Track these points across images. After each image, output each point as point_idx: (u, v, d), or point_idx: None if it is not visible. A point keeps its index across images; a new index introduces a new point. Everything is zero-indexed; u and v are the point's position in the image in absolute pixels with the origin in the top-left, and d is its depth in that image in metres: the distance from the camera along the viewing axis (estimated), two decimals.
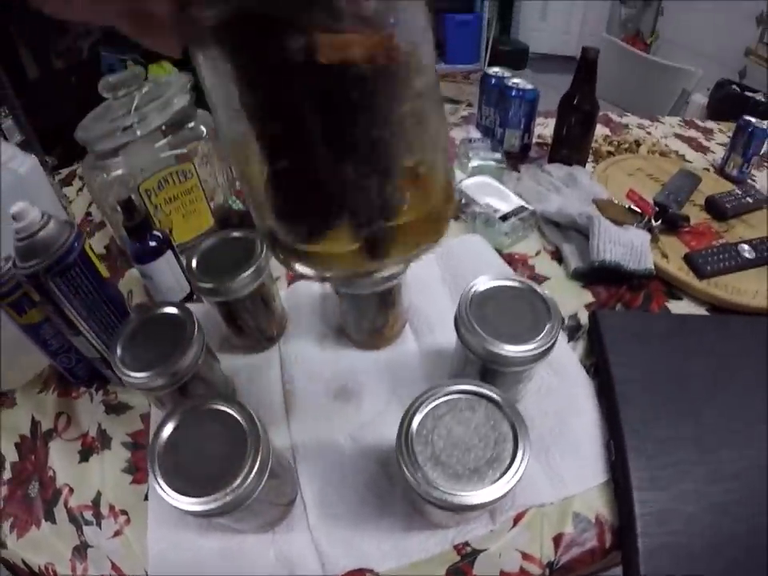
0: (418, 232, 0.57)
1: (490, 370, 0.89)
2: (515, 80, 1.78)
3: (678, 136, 2.19)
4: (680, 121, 2.35)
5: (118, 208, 1.12)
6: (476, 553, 0.89)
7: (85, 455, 1.07)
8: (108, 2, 0.44)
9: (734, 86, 4.34)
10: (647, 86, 3.19)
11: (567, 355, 1.16)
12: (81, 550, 0.94)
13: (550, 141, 1.85)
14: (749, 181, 1.84)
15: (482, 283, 0.94)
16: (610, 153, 1.94)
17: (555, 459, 0.98)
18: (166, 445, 0.76)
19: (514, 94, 1.74)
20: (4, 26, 3.54)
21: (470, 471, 0.73)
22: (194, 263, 1.05)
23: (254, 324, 1.15)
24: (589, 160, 1.85)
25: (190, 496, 0.70)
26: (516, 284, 0.95)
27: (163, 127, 1.30)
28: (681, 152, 2.05)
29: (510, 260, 1.44)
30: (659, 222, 1.47)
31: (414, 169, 0.53)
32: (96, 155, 1.30)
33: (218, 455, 0.74)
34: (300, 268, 0.57)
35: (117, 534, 0.96)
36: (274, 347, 1.22)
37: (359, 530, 0.92)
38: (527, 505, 0.93)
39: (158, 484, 0.72)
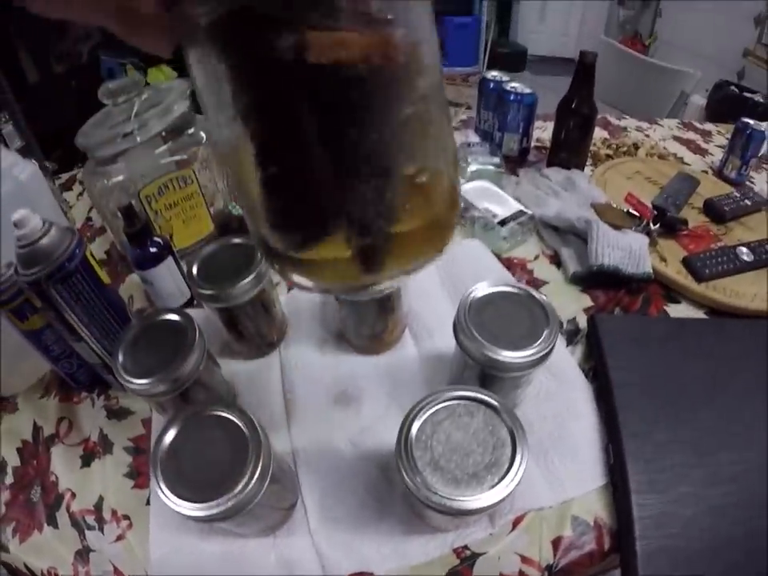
0: (419, 243, 0.55)
1: (488, 375, 0.89)
2: (514, 84, 1.79)
3: (676, 138, 2.19)
4: (678, 123, 2.35)
5: (119, 214, 1.13)
6: (475, 556, 0.89)
7: (87, 460, 1.08)
8: (94, 1, 0.43)
9: (733, 87, 4.33)
10: (646, 88, 3.19)
11: (566, 359, 1.17)
12: (83, 554, 0.95)
13: (548, 144, 1.85)
14: (747, 183, 1.84)
15: (481, 289, 0.95)
16: (608, 156, 1.95)
17: (554, 463, 0.99)
18: (168, 451, 0.76)
19: (512, 98, 1.75)
20: (4, 29, 3.54)
21: (469, 476, 0.74)
22: (194, 270, 1.05)
23: (254, 330, 1.15)
24: (587, 163, 1.86)
25: (192, 501, 0.71)
26: (514, 290, 0.95)
27: (163, 133, 1.30)
28: (679, 154, 2.05)
29: (509, 264, 1.44)
30: (657, 225, 1.47)
31: (416, 176, 0.50)
32: (96, 161, 1.30)
33: (219, 461, 0.75)
34: (297, 279, 0.56)
35: (119, 538, 0.96)
36: (275, 352, 1.22)
37: (359, 533, 0.92)
38: (526, 508, 0.93)
39: (161, 489, 0.72)
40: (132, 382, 0.88)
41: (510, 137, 1.84)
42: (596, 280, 1.35)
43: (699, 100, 4.31)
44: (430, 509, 0.73)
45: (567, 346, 1.22)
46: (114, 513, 0.99)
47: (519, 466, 0.74)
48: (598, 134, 2.09)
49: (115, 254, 1.55)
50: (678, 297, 1.35)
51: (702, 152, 2.09)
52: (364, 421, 1.07)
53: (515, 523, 0.93)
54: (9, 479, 1.07)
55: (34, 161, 1.29)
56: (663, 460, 0.95)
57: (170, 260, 1.20)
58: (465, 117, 2.23)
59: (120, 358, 0.91)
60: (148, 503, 0.99)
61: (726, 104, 4.20)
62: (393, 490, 0.96)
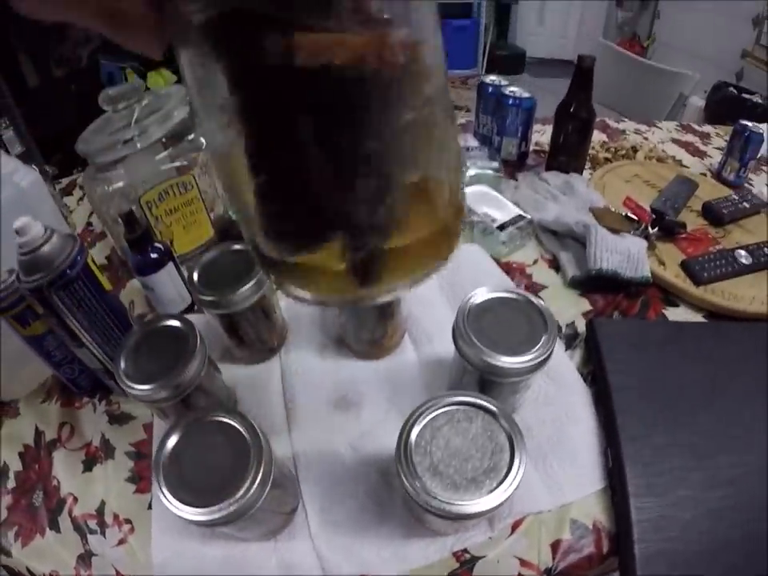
0: (421, 254, 0.53)
1: (487, 380, 0.90)
2: (512, 88, 1.79)
3: (675, 141, 2.20)
4: (677, 125, 2.35)
5: (119, 220, 1.13)
6: (475, 560, 0.90)
7: (88, 465, 1.08)
8: (81, 2, 0.41)
9: (731, 88, 4.34)
10: (644, 91, 3.20)
11: (565, 364, 1.17)
12: (85, 558, 0.95)
13: (547, 148, 1.85)
14: (746, 185, 1.85)
15: (479, 295, 0.95)
16: (607, 159, 1.95)
17: (553, 467, 0.99)
18: (171, 456, 0.77)
19: (511, 102, 1.75)
20: (4, 34, 3.55)
21: (468, 481, 0.74)
22: (195, 276, 1.06)
23: (255, 335, 1.15)
24: (586, 167, 1.86)
25: (194, 506, 0.71)
26: (513, 295, 0.96)
27: (163, 139, 1.30)
28: (678, 157, 2.06)
29: (508, 269, 1.44)
30: (656, 229, 1.47)
31: (419, 184, 0.49)
32: (96, 167, 1.30)
33: (221, 466, 0.75)
34: (292, 289, 0.55)
35: (121, 542, 0.96)
36: (275, 358, 1.22)
37: (359, 537, 0.92)
38: (525, 512, 0.94)
39: (163, 494, 0.73)
40: (134, 388, 0.88)
41: (509, 141, 1.85)
42: (595, 284, 1.35)
43: (698, 101, 4.31)
44: (429, 513, 0.73)
45: (566, 350, 1.22)
46: (115, 517, 0.99)
47: (517, 470, 0.75)
48: (597, 137, 2.09)
49: (116, 259, 1.55)
50: (676, 300, 1.35)
51: (701, 154, 2.10)
52: (364, 425, 1.08)
53: (514, 527, 0.93)
54: (11, 483, 1.07)
55: (34, 166, 1.29)
56: (662, 463, 0.96)
57: (170, 266, 1.20)
58: (464, 120, 2.23)
59: (122, 364, 0.91)
60: (149, 508, 0.99)
61: (724, 105, 4.20)
62: (393, 494, 0.96)
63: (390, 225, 0.48)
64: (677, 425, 1.01)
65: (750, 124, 1.75)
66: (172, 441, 0.78)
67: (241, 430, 0.77)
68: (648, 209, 1.56)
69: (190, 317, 1.01)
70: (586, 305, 1.34)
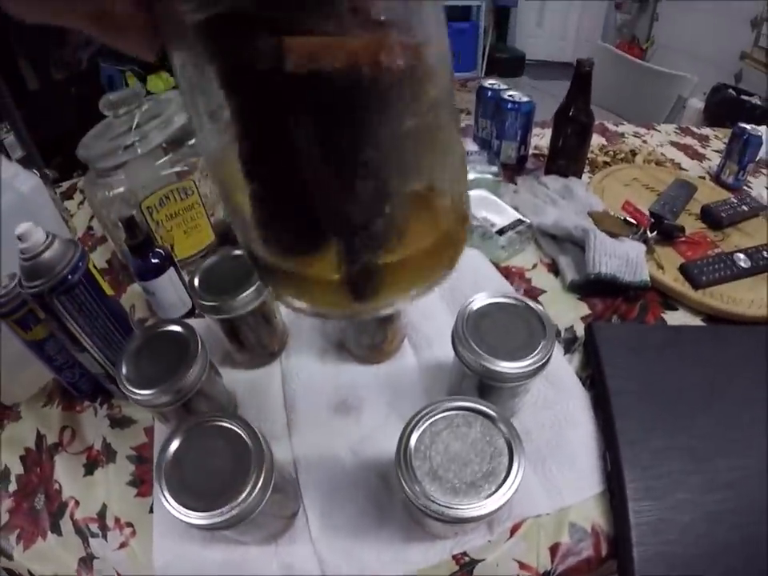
0: (423, 265, 0.51)
1: (486, 384, 0.90)
2: (511, 92, 1.80)
3: (673, 144, 2.21)
4: (676, 128, 2.36)
5: (120, 224, 1.13)
6: (474, 563, 0.90)
7: (90, 468, 1.08)
8: (68, 4, 0.40)
9: (730, 90, 4.35)
10: (643, 93, 3.20)
11: (563, 368, 1.17)
12: (87, 562, 0.95)
13: (546, 152, 1.86)
14: (745, 188, 1.85)
15: (479, 300, 0.96)
16: (606, 163, 1.96)
17: (551, 471, 0.99)
18: (172, 460, 0.77)
19: (510, 106, 1.76)
20: (4, 37, 3.55)
21: (467, 485, 0.75)
22: (196, 281, 1.06)
23: (255, 340, 1.16)
24: (585, 170, 1.86)
25: (195, 510, 0.72)
26: (512, 301, 0.96)
27: (164, 145, 1.31)
28: (677, 160, 2.07)
29: (507, 273, 1.45)
30: (655, 232, 1.47)
31: (421, 192, 0.47)
32: (97, 172, 1.30)
33: (222, 470, 0.76)
34: (287, 299, 0.54)
35: (122, 545, 0.96)
36: (276, 362, 1.22)
37: (360, 540, 0.93)
38: (524, 515, 0.94)
39: (165, 498, 0.73)
40: (136, 393, 0.88)
41: (508, 145, 1.85)
42: (594, 288, 1.35)
43: (697, 103, 4.32)
44: (429, 517, 0.74)
45: (565, 354, 1.23)
46: (117, 520, 1.00)
47: (516, 475, 0.75)
48: (596, 140, 2.09)
49: (116, 264, 1.56)
50: (675, 304, 1.35)
51: (700, 157, 2.11)
52: (364, 430, 1.08)
53: (513, 530, 0.93)
54: (12, 487, 1.07)
55: (35, 170, 1.29)
56: (660, 467, 0.96)
57: (171, 271, 1.21)
58: (463, 124, 2.23)
59: (123, 369, 0.92)
60: (151, 511, 0.99)
61: (723, 107, 4.22)
62: (393, 498, 0.96)
63: (388, 236, 0.46)
64: (675, 428, 1.02)
65: (748, 127, 1.75)
66: (173, 445, 0.78)
67: (242, 434, 0.78)
68: (647, 212, 1.57)
69: (191, 321, 1.02)
70: (584, 309, 1.34)
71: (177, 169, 1.34)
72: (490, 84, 1.86)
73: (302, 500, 0.98)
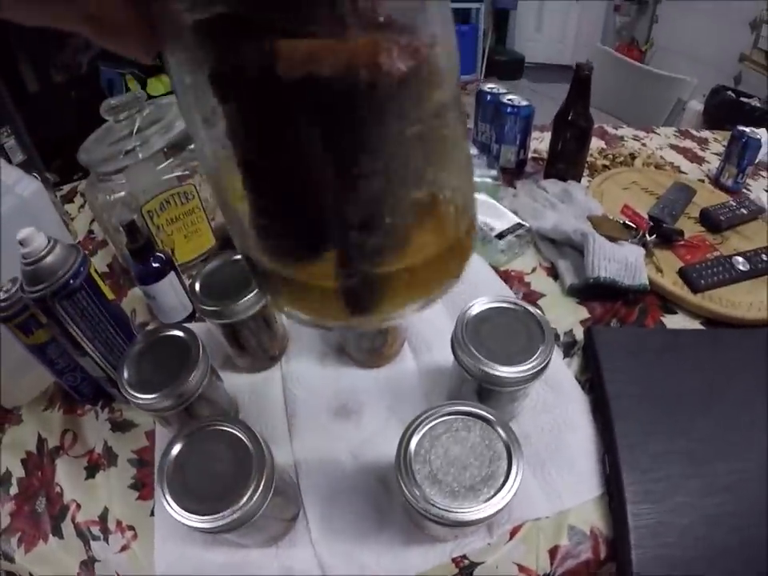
0: (428, 276, 0.49)
1: (486, 389, 0.91)
2: (510, 96, 1.80)
3: (673, 147, 2.21)
4: (675, 131, 2.37)
5: (121, 229, 1.14)
6: (474, 565, 0.91)
7: (91, 472, 1.08)
8: (66, 7, 0.38)
9: (730, 92, 4.36)
10: (642, 96, 3.20)
11: (563, 372, 1.18)
12: (88, 564, 0.95)
13: (545, 155, 1.86)
14: (744, 191, 1.86)
15: (478, 305, 0.97)
16: (605, 166, 1.96)
17: (551, 474, 1.00)
18: (174, 464, 0.78)
19: (509, 110, 1.76)
20: (4, 39, 3.55)
21: (466, 489, 0.75)
22: (197, 286, 1.06)
23: (256, 344, 1.16)
24: (584, 174, 1.87)
25: (197, 513, 0.72)
26: (511, 305, 0.97)
27: (165, 149, 1.31)
28: (676, 163, 2.07)
29: (507, 277, 1.45)
30: (654, 236, 1.48)
31: (426, 200, 0.45)
32: (98, 176, 1.31)
33: (223, 474, 0.76)
34: (288, 310, 0.53)
35: (124, 548, 0.97)
36: (276, 366, 1.23)
37: (360, 543, 0.93)
38: (523, 518, 0.94)
39: (167, 502, 0.74)
40: (137, 398, 0.89)
41: (507, 149, 1.85)
42: (593, 292, 1.36)
43: (696, 105, 4.33)
44: (428, 520, 0.74)
45: (564, 358, 1.23)
46: (118, 524, 1.00)
47: (515, 478, 0.76)
48: (595, 143, 2.10)
49: (117, 267, 1.56)
50: (674, 308, 1.36)
51: (699, 160, 2.11)
52: (364, 433, 1.08)
53: (513, 533, 0.93)
54: (13, 490, 1.08)
55: (35, 174, 1.30)
56: (659, 470, 0.96)
57: (172, 275, 1.21)
58: None
59: (125, 373, 0.92)
60: (152, 514, 0.99)
61: (723, 109, 4.23)
62: (392, 501, 0.97)
63: (389, 246, 0.44)
64: (674, 432, 1.02)
65: (747, 130, 1.75)
66: (175, 449, 0.79)
67: (243, 438, 0.78)
68: (646, 216, 1.57)
69: (192, 325, 1.02)
70: (584, 313, 1.34)
71: (177, 173, 1.34)
72: (489, 88, 1.85)
73: (303, 503, 0.98)
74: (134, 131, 1.27)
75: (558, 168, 1.78)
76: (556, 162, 1.78)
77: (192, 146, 1.36)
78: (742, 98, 4.26)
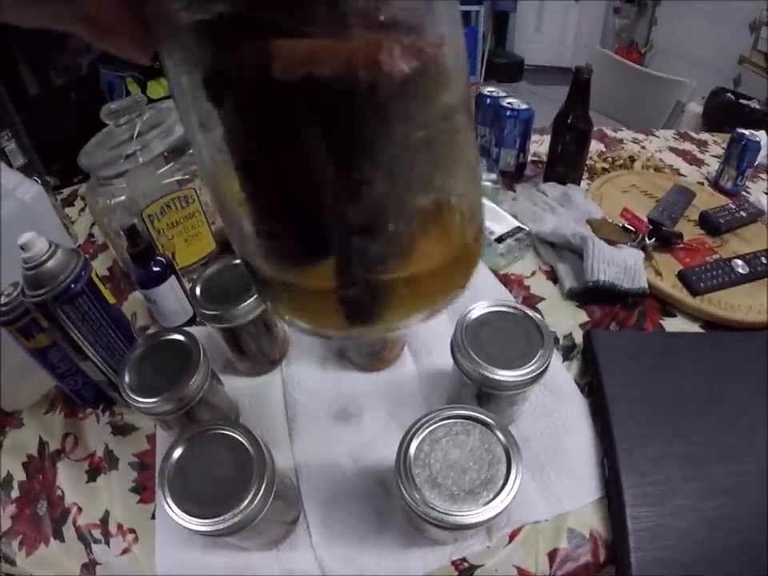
0: (433, 286, 0.48)
1: (485, 393, 0.91)
2: (510, 99, 1.80)
3: (672, 149, 2.21)
4: (674, 134, 2.36)
5: (121, 233, 1.14)
6: (473, 568, 0.91)
7: (92, 475, 1.09)
8: (59, 7, 0.38)
9: (729, 94, 4.36)
10: (642, 99, 3.20)
11: (562, 375, 1.18)
12: (89, 568, 0.96)
13: (545, 158, 1.86)
14: (743, 193, 1.86)
15: (477, 309, 0.97)
16: (604, 170, 1.96)
17: (550, 477, 1.00)
18: (175, 468, 0.78)
19: (508, 114, 1.76)
20: (4, 42, 3.55)
21: (466, 492, 0.76)
22: (197, 290, 1.07)
23: (256, 348, 1.16)
24: (584, 177, 1.87)
25: (198, 517, 0.73)
26: (510, 309, 0.97)
27: (165, 153, 1.32)
28: (675, 166, 2.07)
29: (506, 281, 1.45)
30: (653, 239, 1.48)
31: (432, 206, 0.43)
32: (98, 180, 1.31)
33: (224, 477, 0.77)
34: (287, 318, 0.51)
35: (125, 551, 0.97)
36: (277, 370, 1.23)
37: (360, 546, 0.93)
38: (523, 522, 0.95)
39: (168, 505, 0.74)
40: (138, 402, 0.89)
41: (507, 152, 1.85)
42: (592, 295, 1.36)
43: (696, 107, 4.33)
44: (428, 523, 0.75)
45: (563, 361, 1.23)
46: (119, 527, 1.00)
47: (514, 482, 0.76)
48: (595, 146, 2.10)
49: (118, 271, 1.56)
50: (673, 311, 1.36)
51: (698, 162, 2.11)
52: (364, 437, 1.08)
53: (512, 536, 0.94)
54: (15, 493, 1.08)
55: (36, 178, 1.30)
56: (658, 473, 0.96)
57: (172, 279, 1.22)
58: None
59: (126, 377, 0.92)
60: (153, 517, 1.00)
61: (722, 111, 4.22)
62: (392, 505, 0.97)
63: (392, 255, 0.43)
64: (673, 435, 1.02)
65: (747, 132, 1.75)
66: (176, 453, 0.79)
67: (243, 442, 0.79)
68: (645, 219, 1.57)
69: (192, 329, 1.02)
70: (583, 316, 1.35)
71: (178, 177, 1.34)
72: (488, 91, 1.86)
73: (303, 506, 0.99)
74: (135, 135, 1.27)
75: (558, 171, 1.78)
76: (556, 165, 1.78)
77: (192, 150, 1.35)
78: (741, 100, 4.25)
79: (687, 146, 2.25)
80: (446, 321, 1.27)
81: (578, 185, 1.79)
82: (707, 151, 2.21)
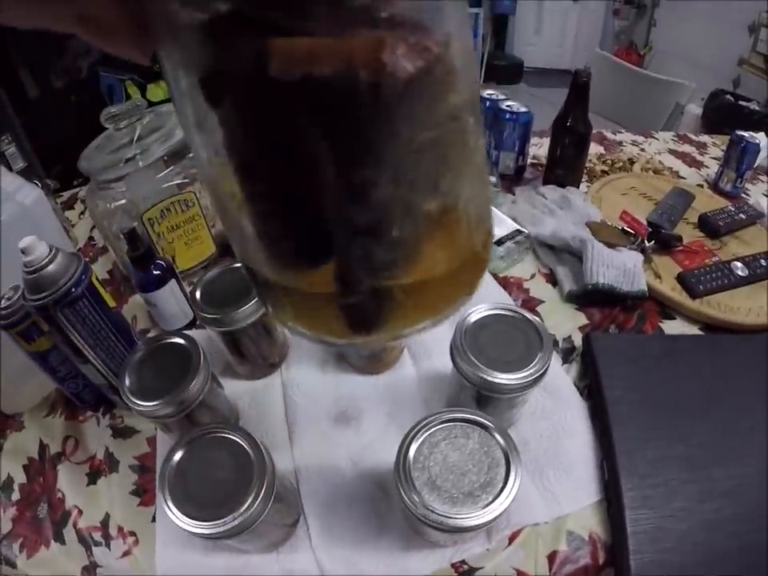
0: (438, 292, 0.47)
1: (484, 395, 0.91)
2: (509, 102, 1.80)
3: (671, 151, 2.21)
4: (674, 136, 2.37)
5: (122, 236, 1.14)
6: (473, 571, 0.91)
7: (93, 478, 1.09)
8: (59, 7, 0.37)
9: (728, 96, 4.36)
10: (641, 101, 3.20)
11: (561, 378, 1.18)
12: (90, 570, 0.96)
13: (544, 161, 1.87)
14: (743, 195, 1.85)
15: (477, 312, 0.97)
16: (604, 172, 1.96)
17: (549, 480, 1.00)
18: (175, 471, 0.78)
19: (508, 117, 1.76)
20: (3, 45, 3.55)
21: (465, 495, 0.76)
22: (197, 294, 1.07)
23: (256, 351, 1.16)
24: (583, 179, 1.87)
25: (198, 520, 0.73)
26: (509, 312, 0.97)
27: (165, 157, 1.32)
28: (675, 168, 2.07)
29: (506, 284, 1.45)
30: (652, 242, 1.48)
31: (438, 210, 0.41)
32: (98, 183, 1.32)
33: (224, 480, 0.77)
34: (288, 323, 0.50)
35: (125, 554, 0.97)
36: (276, 373, 1.23)
37: (359, 549, 0.93)
38: (522, 524, 0.95)
39: (168, 508, 0.74)
40: (139, 405, 0.89)
41: (506, 155, 1.85)
42: (591, 298, 1.36)
43: (695, 109, 4.33)
44: (427, 526, 0.75)
45: (563, 364, 1.23)
46: (120, 529, 1.00)
47: (513, 485, 0.76)
48: (594, 149, 2.10)
49: (118, 274, 1.56)
50: (672, 313, 1.36)
51: (698, 165, 2.11)
52: (364, 440, 1.09)
53: (511, 538, 0.94)
54: (15, 496, 1.08)
55: (36, 181, 1.30)
56: (657, 476, 0.97)
57: (173, 282, 1.22)
58: None
59: (126, 380, 0.93)
60: (153, 520, 1.00)
61: (722, 113, 4.22)
62: (392, 507, 0.97)
63: (395, 262, 0.42)
64: (673, 437, 1.02)
65: (746, 134, 1.75)
66: (176, 456, 0.79)
67: (243, 445, 0.79)
68: (644, 222, 1.57)
69: (192, 333, 1.02)
70: (582, 319, 1.35)
71: (177, 181, 1.35)
72: (488, 94, 1.86)
73: (303, 509, 0.99)
74: (135, 139, 1.27)
75: (557, 174, 1.78)
76: (555, 167, 1.78)
77: (192, 154, 1.34)
78: (740, 102, 4.25)
79: (686, 148, 2.26)
80: (446, 324, 1.26)
81: (578, 187, 1.79)
82: (706, 153, 2.21)
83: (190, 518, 0.73)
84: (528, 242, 1.51)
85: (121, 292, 1.50)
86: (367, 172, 0.36)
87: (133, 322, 1.38)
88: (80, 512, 1.04)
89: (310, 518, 0.98)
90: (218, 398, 1.05)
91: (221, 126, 0.37)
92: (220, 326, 1.05)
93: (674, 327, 1.32)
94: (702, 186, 1.92)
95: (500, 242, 1.45)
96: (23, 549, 1.00)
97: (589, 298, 1.36)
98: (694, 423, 1.04)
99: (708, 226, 1.60)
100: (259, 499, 0.73)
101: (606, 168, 1.98)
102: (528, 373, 0.88)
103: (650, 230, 1.52)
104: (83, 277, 0.92)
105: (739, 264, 1.40)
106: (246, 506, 0.72)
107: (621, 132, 2.36)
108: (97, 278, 0.96)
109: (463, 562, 0.92)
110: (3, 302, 0.97)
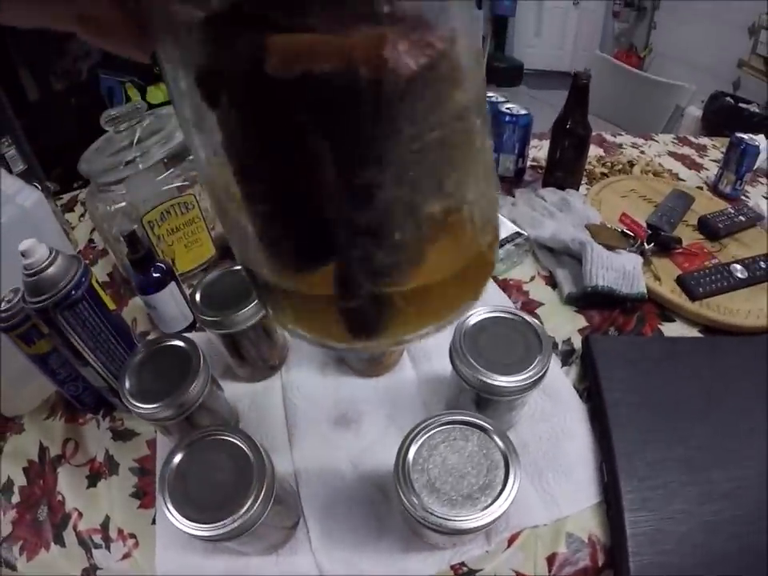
0: (443, 297, 0.46)
1: (484, 398, 0.91)
2: (509, 105, 1.81)
3: (671, 154, 2.21)
4: (673, 138, 2.37)
5: (121, 239, 1.14)
6: (472, 573, 0.91)
7: (93, 480, 1.09)
8: (59, 7, 0.38)
9: (728, 98, 4.36)
10: (641, 103, 3.20)
11: (561, 380, 1.18)
12: (90, 572, 0.96)
13: (544, 163, 1.87)
14: (742, 198, 1.86)
15: (476, 315, 0.97)
16: (603, 174, 1.96)
17: (549, 482, 1.00)
18: (175, 473, 0.78)
19: (507, 119, 1.76)
20: (3, 47, 3.55)
21: (464, 497, 0.76)
22: (197, 297, 1.07)
23: (256, 354, 1.16)
24: (583, 182, 1.87)
25: (198, 522, 0.73)
26: (509, 315, 0.97)
27: (165, 160, 1.32)
28: (674, 170, 2.07)
29: (505, 286, 1.45)
30: (652, 244, 1.48)
31: (443, 212, 0.40)
32: (98, 186, 1.32)
33: (224, 483, 0.77)
34: (289, 326, 0.50)
35: (125, 556, 0.97)
36: (276, 375, 1.23)
37: (359, 551, 0.93)
38: (521, 526, 0.95)
39: (168, 510, 0.74)
40: (139, 407, 0.89)
41: (506, 157, 1.85)
42: (591, 300, 1.36)
43: (695, 111, 4.33)
44: (426, 528, 0.75)
45: (562, 366, 1.23)
46: (120, 532, 1.00)
47: (512, 487, 0.76)
48: (594, 151, 2.10)
49: (118, 277, 1.56)
50: (672, 315, 1.36)
51: (697, 167, 2.11)
52: (363, 442, 1.09)
53: (511, 541, 0.94)
54: (15, 498, 1.08)
55: (36, 184, 1.30)
56: (657, 478, 0.96)
57: (173, 285, 1.22)
58: None
59: (126, 383, 0.93)
60: (153, 522, 1.00)
61: (721, 115, 4.23)
62: (391, 509, 0.97)
63: (398, 265, 0.41)
64: (672, 439, 1.02)
65: (746, 136, 1.75)
66: (176, 458, 0.79)
67: (243, 447, 0.79)
68: (644, 224, 1.57)
69: (192, 335, 1.03)
70: (582, 321, 1.35)
71: (177, 183, 1.35)
72: (488, 97, 1.84)
73: (303, 511, 0.99)
74: (134, 142, 1.28)
75: (557, 176, 1.78)
76: (555, 170, 1.79)
77: (191, 157, 1.34)
78: (740, 104, 4.26)
79: (686, 150, 2.26)
80: None
81: (577, 190, 1.79)
82: (706, 155, 2.21)
83: (189, 520, 0.73)
84: (527, 244, 1.51)
85: (121, 294, 1.50)
86: (368, 172, 0.35)
87: (133, 325, 1.38)
88: (80, 514, 1.04)
89: (310, 521, 0.98)
90: (217, 401, 1.05)
91: (219, 126, 0.36)
92: (220, 329, 1.05)
93: (673, 329, 1.32)
94: (701, 188, 1.93)
95: (500, 245, 1.44)
96: (23, 551, 1.00)
97: (588, 300, 1.36)
98: (694, 425, 1.04)
99: (708, 228, 1.60)
100: (259, 501, 0.73)
101: (606, 170, 1.98)
102: (527, 375, 0.88)
103: (650, 232, 1.52)
104: (83, 279, 0.92)
105: (739, 266, 1.40)
106: (245, 508, 0.72)
107: (621, 134, 2.36)
108: (97, 281, 0.96)
109: (462, 563, 0.92)
110: (3, 304, 0.97)
